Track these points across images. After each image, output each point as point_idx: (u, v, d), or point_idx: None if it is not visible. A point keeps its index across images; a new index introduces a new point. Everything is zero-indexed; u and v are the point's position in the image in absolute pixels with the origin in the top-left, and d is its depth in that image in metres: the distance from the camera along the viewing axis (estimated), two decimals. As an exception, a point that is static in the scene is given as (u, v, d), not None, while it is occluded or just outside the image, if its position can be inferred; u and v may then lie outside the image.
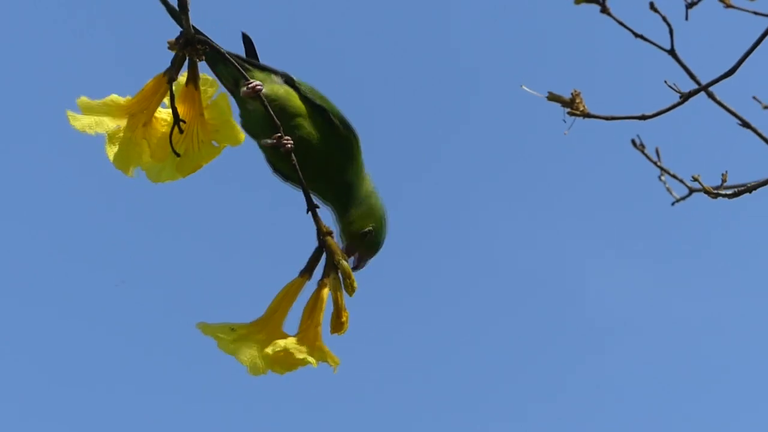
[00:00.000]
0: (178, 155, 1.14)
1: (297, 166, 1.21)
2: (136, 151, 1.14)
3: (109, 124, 1.12)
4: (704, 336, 4.31)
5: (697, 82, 1.73)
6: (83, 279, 4.26)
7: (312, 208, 1.19)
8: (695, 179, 1.76)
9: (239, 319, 1.17)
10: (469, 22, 4.24)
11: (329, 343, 1.17)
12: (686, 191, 2.01)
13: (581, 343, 4.38)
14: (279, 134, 1.23)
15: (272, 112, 1.21)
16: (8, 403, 4.03)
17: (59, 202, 4.26)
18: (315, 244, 1.19)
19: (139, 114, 1.14)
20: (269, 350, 1.13)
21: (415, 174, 4.26)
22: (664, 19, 1.74)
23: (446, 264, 4.25)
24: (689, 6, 1.75)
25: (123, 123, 1.13)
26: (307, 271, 1.19)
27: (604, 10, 1.72)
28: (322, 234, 1.19)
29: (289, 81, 1.34)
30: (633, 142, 2.01)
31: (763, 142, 1.80)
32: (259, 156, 1.34)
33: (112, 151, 1.12)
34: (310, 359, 1.13)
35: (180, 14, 1.12)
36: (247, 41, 1.37)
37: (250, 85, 1.25)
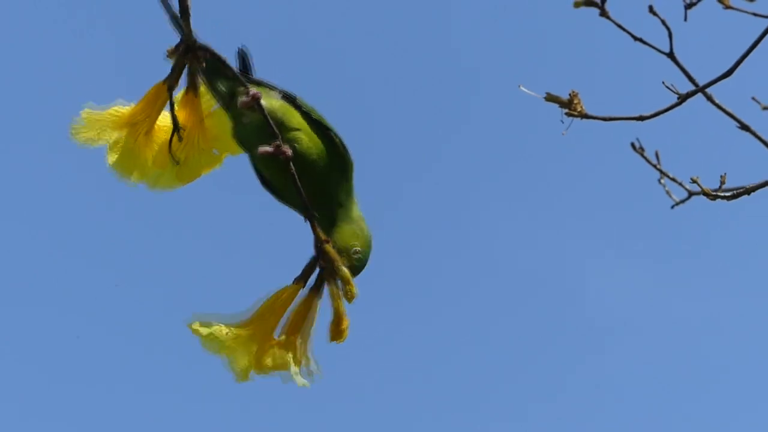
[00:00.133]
0: (177, 162, 1.14)
1: (295, 176, 1.20)
2: (138, 160, 1.14)
3: (112, 134, 1.12)
4: (704, 336, 4.32)
5: (695, 84, 1.73)
6: (83, 279, 4.27)
7: (310, 216, 1.18)
8: (694, 181, 1.77)
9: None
10: (469, 24, 4.24)
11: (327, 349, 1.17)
12: (685, 194, 2.02)
13: (581, 343, 4.38)
14: (277, 142, 1.21)
15: (270, 120, 1.20)
16: (8, 403, 4.04)
17: (59, 201, 4.26)
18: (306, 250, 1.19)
19: (141, 123, 1.14)
20: (269, 362, 1.13)
21: (415, 174, 4.27)
22: (663, 22, 1.75)
23: (446, 264, 4.26)
24: (688, 7, 1.76)
25: (125, 132, 1.13)
26: (302, 279, 1.19)
27: (603, 13, 1.72)
28: (320, 242, 1.18)
29: (287, 97, 1.31)
30: (632, 145, 2.01)
31: (761, 144, 1.80)
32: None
33: (113, 158, 1.12)
34: (303, 382, 1.13)
35: (181, 19, 1.11)
36: (242, 56, 1.33)
37: (249, 94, 1.21)
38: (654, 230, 4.08)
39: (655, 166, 2.01)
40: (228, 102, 1.29)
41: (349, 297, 1.16)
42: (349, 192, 1.31)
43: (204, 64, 1.15)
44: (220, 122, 1.15)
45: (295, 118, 1.29)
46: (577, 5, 1.72)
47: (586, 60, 4.11)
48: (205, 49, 1.15)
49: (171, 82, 1.14)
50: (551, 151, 4.22)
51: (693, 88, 1.71)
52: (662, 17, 1.75)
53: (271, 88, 1.31)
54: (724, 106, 1.80)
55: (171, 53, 1.15)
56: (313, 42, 4.19)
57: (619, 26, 1.73)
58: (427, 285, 4.26)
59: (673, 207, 2.06)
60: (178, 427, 4.03)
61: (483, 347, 4.24)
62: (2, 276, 4.18)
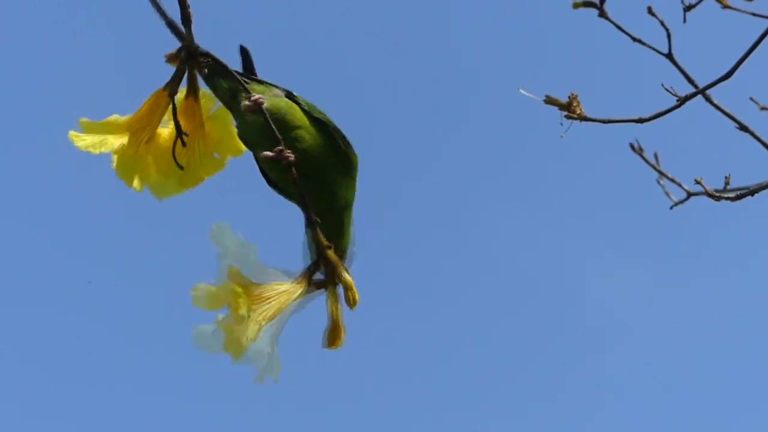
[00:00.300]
0: (181, 168, 1.13)
1: (297, 181, 1.20)
2: (141, 167, 1.13)
3: (113, 142, 1.11)
4: (704, 337, 4.32)
5: (695, 86, 1.74)
6: (82, 278, 4.27)
7: (312, 223, 1.18)
8: (698, 182, 1.76)
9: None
10: (468, 25, 4.24)
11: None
12: (684, 195, 2.02)
13: (581, 343, 4.38)
14: (280, 147, 1.22)
15: (272, 125, 1.20)
16: (8, 403, 4.04)
17: (59, 201, 4.26)
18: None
19: (141, 131, 1.14)
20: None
21: (415, 174, 4.27)
22: (662, 23, 1.75)
23: (446, 264, 4.26)
24: (687, 9, 1.76)
25: (126, 140, 1.13)
26: (303, 279, 1.18)
27: (602, 14, 1.72)
28: (322, 248, 1.18)
29: (289, 95, 1.31)
30: (631, 146, 2.02)
31: (760, 145, 1.81)
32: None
33: (118, 167, 1.12)
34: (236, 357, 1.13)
35: (180, 25, 1.11)
36: (244, 54, 1.34)
37: (252, 99, 1.22)
38: (654, 231, 4.08)
39: (654, 167, 2.02)
40: (230, 101, 1.30)
41: (351, 303, 1.15)
42: (354, 191, 1.31)
43: (206, 71, 1.15)
44: (219, 125, 1.15)
45: (298, 117, 1.29)
46: (576, 6, 1.72)
47: (585, 60, 4.12)
48: (207, 55, 1.14)
49: (172, 89, 1.13)
50: (551, 152, 4.22)
51: (692, 88, 1.71)
52: (661, 18, 1.75)
53: (273, 86, 1.32)
54: (723, 107, 1.80)
55: (172, 59, 1.14)
56: (313, 42, 4.19)
57: (618, 27, 1.74)
58: (426, 285, 4.26)
59: (672, 207, 2.07)
60: (178, 427, 4.03)
61: (483, 347, 4.25)
62: (2, 276, 4.18)
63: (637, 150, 2.02)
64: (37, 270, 4.25)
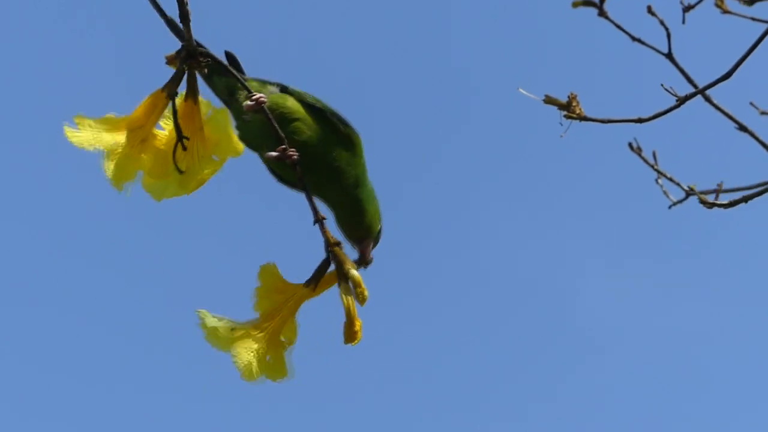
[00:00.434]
0: (181, 172, 1.12)
1: (303, 178, 1.21)
2: (134, 168, 1.12)
3: (108, 139, 1.11)
4: (701, 340, 4.32)
5: (694, 86, 1.74)
6: (83, 278, 4.27)
7: (319, 219, 1.18)
8: (691, 189, 1.76)
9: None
10: (468, 25, 4.25)
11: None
12: (683, 194, 2.02)
13: (579, 344, 4.38)
14: (283, 146, 1.22)
15: (275, 124, 1.21)
16: (8, 403, 4.04)
17: (59, 201, 4.26)
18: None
19: (138, 130, 1.13)
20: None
21: (415, 174, 4.27)
22: (662, 22, 1.75)
23: (445, 265, 4.26)
24: (686, 9, 1.76)
25: (121, 139, 1.12)
26: (313, 281, 1.19)
27: (602, 13, 1.72)
28: (330, 245, 1.18)
29: (283, 90, 1.32)
30: (630, 145, 2.02)
31: (759, 145, 1.81)
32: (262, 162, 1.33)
33: (109, 167, 1.11)
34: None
35: (181, 25, 1.10)
36: (231, 59, 1.34)
37: (253, 98, 1.23)
38: (652, 233, 4.08)
39: (652, 167, 2.01)
40: (228, 99, 1.30)
41: (361, 299, 1.15)
42: (364, 168, 1.32)
43: (206, 70, 1.15)
44: (218, 127, 1.14)
45: (294, 108, 1.29)
46: (575, 5, 1.72)
47: (585, 60, 4.12)
48: (207, 55, 1.14)
49: (171, 90, 1.12)
50: (550, 152, 4.23)
51: (691, 88, 1.71)
52: (661, 18, 1.75)
53: (267, 83, 1.32)
54: (722, 108, 1.80)
55: (171, 60, 1.13)
56: (313, 42, 4.19)
57: (618, 26, 1.74)
58: (426, 285, 4.27)
59: (670, 207, 2.07)
60: (178, 427, 4.03)
61: (482, 348, 4.25)
62: (2, 276, 4.18)
63: (636, 150, 2.01)
64: (36, 270, 4.25)
